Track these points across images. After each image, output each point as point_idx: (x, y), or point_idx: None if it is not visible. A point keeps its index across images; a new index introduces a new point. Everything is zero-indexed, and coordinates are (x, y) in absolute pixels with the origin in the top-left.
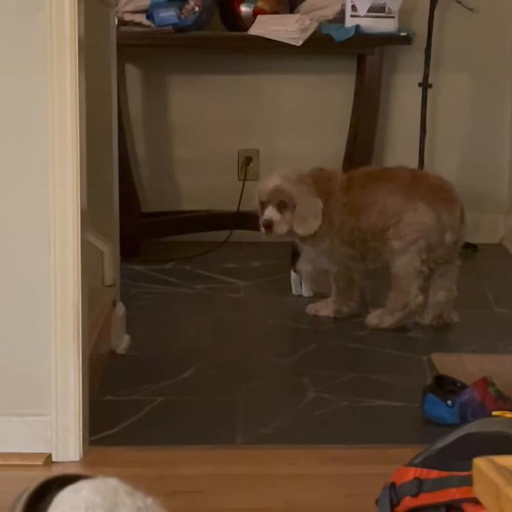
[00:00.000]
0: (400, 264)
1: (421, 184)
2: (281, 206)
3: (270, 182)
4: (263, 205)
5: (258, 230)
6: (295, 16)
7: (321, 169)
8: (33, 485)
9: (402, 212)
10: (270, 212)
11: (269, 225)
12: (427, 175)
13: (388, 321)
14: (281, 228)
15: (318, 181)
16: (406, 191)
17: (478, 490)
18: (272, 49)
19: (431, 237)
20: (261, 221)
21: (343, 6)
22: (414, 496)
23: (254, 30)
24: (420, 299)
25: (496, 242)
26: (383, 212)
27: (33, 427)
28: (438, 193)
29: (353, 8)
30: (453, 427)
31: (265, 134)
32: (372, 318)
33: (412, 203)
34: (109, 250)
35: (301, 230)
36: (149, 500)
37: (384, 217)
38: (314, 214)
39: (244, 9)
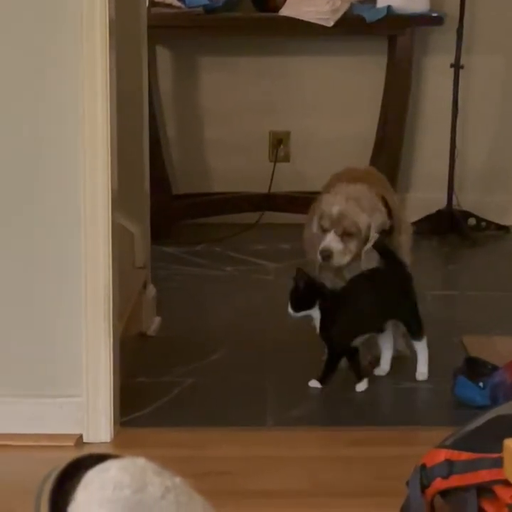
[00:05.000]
0: None
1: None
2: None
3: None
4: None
5: (289, 211)
6: None
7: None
8: (61, 464)
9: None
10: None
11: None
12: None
13: None
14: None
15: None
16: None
17: (509, 471)
18: (302, 30)
19: None
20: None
21: None
22: (445, 477)
23: (285, 11)
24: None
25: None
26: None
27: (64, 408)
28: None
29: None
30: (484, 408)
31: (296, 115)
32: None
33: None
34: (139, 232)
35: None
36: (177, 480)
37: None
38: None
39: None
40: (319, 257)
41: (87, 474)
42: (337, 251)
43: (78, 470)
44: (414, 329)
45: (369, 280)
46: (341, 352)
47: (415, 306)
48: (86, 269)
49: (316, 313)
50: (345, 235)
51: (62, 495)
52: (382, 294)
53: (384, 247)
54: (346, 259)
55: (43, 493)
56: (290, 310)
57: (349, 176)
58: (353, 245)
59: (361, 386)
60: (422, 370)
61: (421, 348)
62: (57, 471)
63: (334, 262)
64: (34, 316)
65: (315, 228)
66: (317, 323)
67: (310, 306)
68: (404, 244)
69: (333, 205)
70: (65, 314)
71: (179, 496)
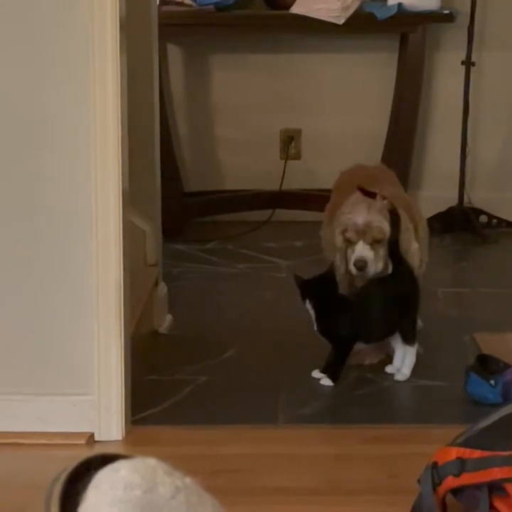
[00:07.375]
0: None
1: None
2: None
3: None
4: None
5: (300, 209)
6: None
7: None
8: (71, 465)
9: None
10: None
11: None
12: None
13: None
14: None
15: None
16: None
17: None
18: (313, 28)
19: None
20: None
21: None
22: (457, 475)
23: (296, 8)
24: None
25: None
26: None
27: (76, 407)
28: None
29: None
30: (496, 406)
31: (307, 113)
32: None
33: None
34: (151, 230)
35: None
36: (188, 480)
37: None
38: None
39: None
40: (353, 269)
41: (97, 474)
42: (371, 260)
43: (88, 470)
44: (409, 336)
45: (379, 290)
46: (346, 349)
47: (415, 314)
48: (97, 268)
49: (309, 309)
50: (374, 243)
51: (72, 495)
52: (388, 307)
53: (395, 251)
54: (379, 266)
55: (53, 494)
56: None
57: (360, 177)
58: (382, 251)
59: (325, 381)
60: (405, 372)
61: (410, 353)
62: (67, 471)
63: (369, 270)
64: (45, 315)
65: (338, 244)
66: (312, 318)
67: (303, 300)
68: (422, 242)
69: (356, 216)
70: (76, 313)
71: (189, 496)
